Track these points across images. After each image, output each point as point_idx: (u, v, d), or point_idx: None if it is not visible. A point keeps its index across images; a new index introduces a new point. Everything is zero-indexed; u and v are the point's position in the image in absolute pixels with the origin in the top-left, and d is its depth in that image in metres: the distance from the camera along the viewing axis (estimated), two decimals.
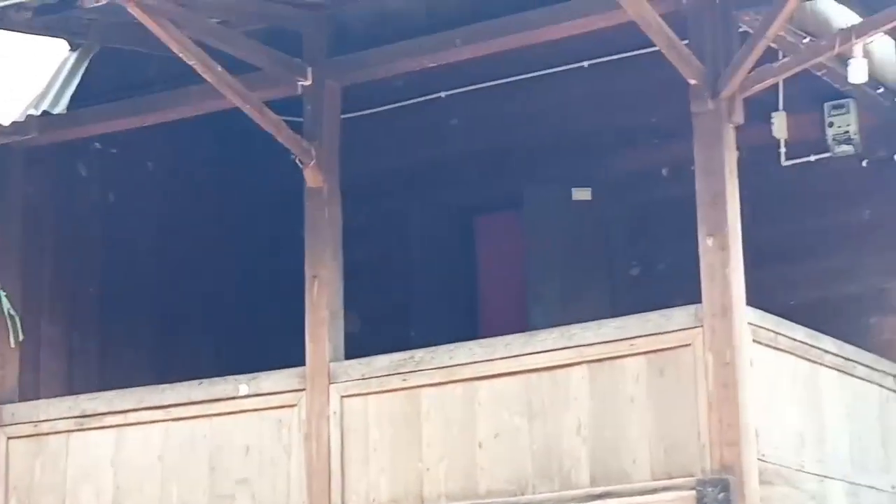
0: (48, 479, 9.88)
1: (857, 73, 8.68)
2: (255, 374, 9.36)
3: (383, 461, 8.82)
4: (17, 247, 10.28)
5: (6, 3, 8.84)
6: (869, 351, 9.51)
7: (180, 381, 9.67)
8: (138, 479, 9.62)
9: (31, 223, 10.36)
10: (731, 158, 8.15)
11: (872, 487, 9.07)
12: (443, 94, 10.84)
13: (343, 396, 8.98)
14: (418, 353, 8.87)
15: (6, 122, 9.16)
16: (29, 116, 9.20)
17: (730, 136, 8.19)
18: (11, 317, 10.01)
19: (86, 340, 10.50)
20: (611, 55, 9.81)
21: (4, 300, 10.02)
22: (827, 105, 10.00)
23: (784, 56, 8.55)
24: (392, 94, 10.56)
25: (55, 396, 10.14)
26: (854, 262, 10.28)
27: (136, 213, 10.89)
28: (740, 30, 8.39)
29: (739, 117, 8.24)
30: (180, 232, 10.94)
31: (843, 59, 8.70)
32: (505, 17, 9.02)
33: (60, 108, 9.35)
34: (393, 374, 8.90)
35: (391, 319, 10.25)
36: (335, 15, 9.48)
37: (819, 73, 9.22)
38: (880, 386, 9.48)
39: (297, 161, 9.27)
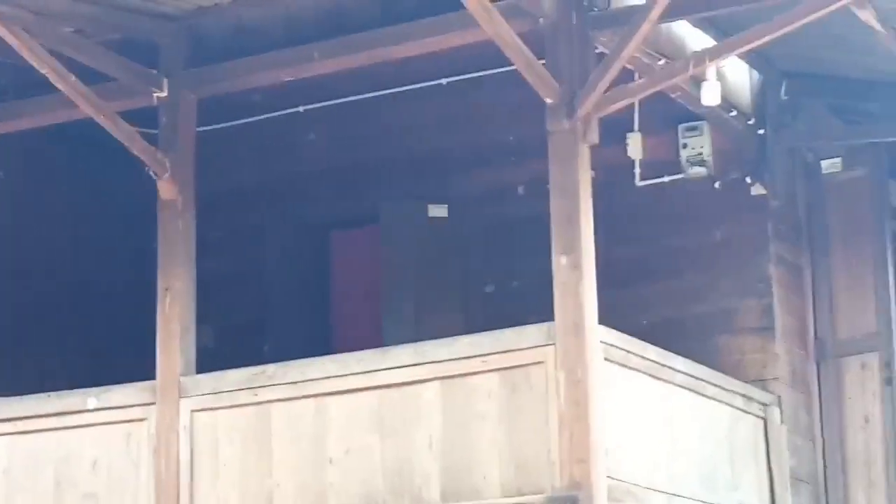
0: None
1: (711, 95, 8.91)
2: (105, 388, 9.22)
3: (233, 477, 8.76)
4: None
5: None
6: (719, 370, 9.67)
7: (28, 393, 9.56)
8: None
9: None
10: (585, 178, 8.16)
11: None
12: (301, 109, 10.84)
13: (193, 411, 8.89)
14: (270, 368, 8.84)
15: None
16: None
17: (585, 156, 8.21)
18: None
19: None
20: (469, 73, 9.86)
21: None
22: (681, 127, 10.18)
23: (639, 77, 8.67)
24: (250, 108, 10.48)
25: None
26: (705, 283, 10.44)
27: (22, 225, 10.67)
28: (597, 51, 8.47)
29: (594, 137, 8.26)
30: (31, 243, 10.80)
31: (698, 82, 8.91)
32: (363, 32, 9.00)
33: None
34: (244, 389, 8.83)
35: (246, 333, 10.28)
36: (192, 27, 9.41)
37: (674, 95, 9.30)
38: (730, 405, 9.61)
39: (151, 173, 9.19)
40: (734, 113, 10.18)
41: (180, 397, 8.91)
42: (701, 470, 9.11)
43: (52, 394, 9.46)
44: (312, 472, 8.59)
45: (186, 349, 9.11)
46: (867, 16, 8.43)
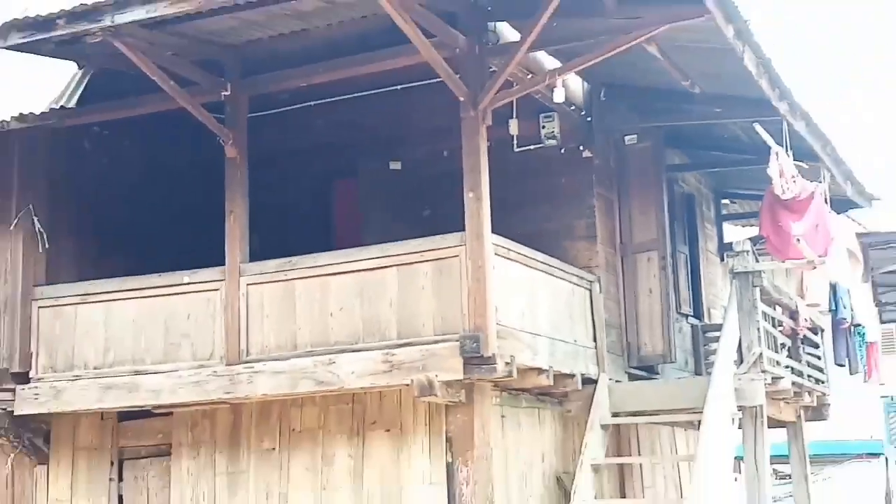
0: (65, 333, 9.84)
1: (558, 95, 9.03)
2: (195, 270, 9.51)
3: (273, 324, 9.06)
4: (44, 191, 10.17)
5: (39, 36, 9.06)
6: (563, 261, 9.94)
7: (151, 273, 9.71)
8: (120, 335, 9.66)
9: (55, 177, 10.29)
10: (483, 146, 8.58)
11: (563, 341, 9.49)
12: (311, 104, 10.60)
13: (248, 284, 9.18)
14: (294, 259, 9.12)
15: (37, 112, 9.14)
16: (52, 109, 9.19)
17: (483, 133, 8.60)
18: (40, 233, 9.98)
19: (87, 249, 10.53)
20: (414, 82, 9.96)
21: (36, 222, 9.98)
22: (541, 115, 10.36)
23: (516, 85, 9.03)
24: (281, 102, 10.57)
25: (67, 284, 10.13)
26: (555, 210, 10.56)
27: (119, 172, 10.76)
28: (490, 69, 8.76)
29: (489, 121, 8.66)
30: (151, 185, 10.91)
31: (551, 88, 9.06)
32: (349, 56, 9.22)
33: (71, 104, 9.27)
34: (278, 272, 9.15)
35: (278, 238, 10.15)
36: (244, 51, 9.51)
37: (537, 96, 9.67)
38: (569, 282, 9.94)
39: (221, 141, 9.46)
40: (573, 107, 10.50)
41: (240, 276, 9.21)
42: (551, 319, 9.42)
43: (162, 273, 9.60)
44: (319, 319, 8.90)
45: (243, 248, 9.33)
46: (653, 49, 8.79)
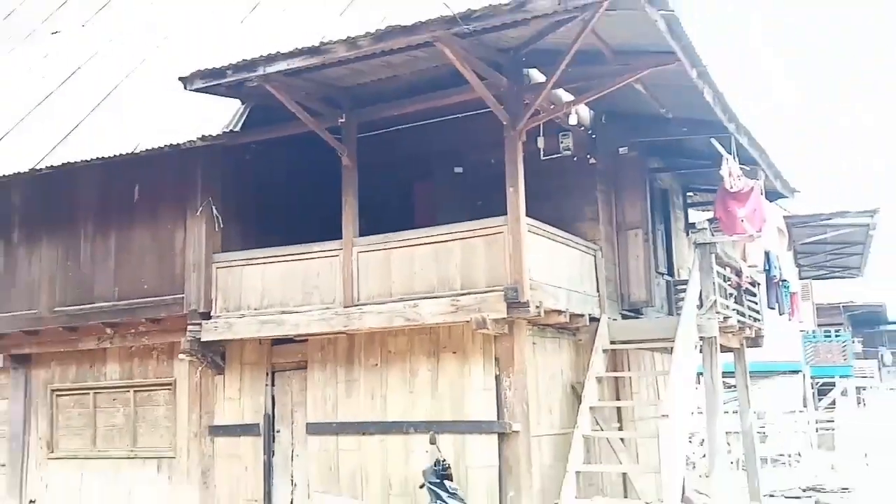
0: (234, 286, 9.90)
1: (572, 120, 9.43)
2: (321, 242, 9.47)
3: (375, 280, 9.02)
4: (219, 189, 10.20)
5: (214, 82, 8.97)
6: (575, 236, 9.84)
7: (291, 244, 9.70)
8: (271, 286, 9.67)
9: (226, 179, 10.30)
10: (520, 156, 8.52)
11: (575, 291, 9.42)
12: (398, 128, 10.32)
13: (359, 252, 9.15)
14: (390, 235, 9.07)
15: (214, 134, 9.20)
16: (224, 132, 9.10)
17: (520, 147, 8.55)
18: (217, 217, 10.01)
19: (248, 228, 10.50)
20: (469, 112, 9.52)
21: (214, 210, 10.03)
22: (560, 134, 10.08)
23: (542, 113, 8.86)
24: (378, 126, 10.16)
25: (236, 252, 10.13)
26: (569, 200, 10.30)
27: (269, 175, 10.78)
28: (525, 102, 8.57)
29: (524, 138, 8.63)
30: (292, 184, 10.83)
31: (567, 114, 9.29)
32: (425, 94, 9.18)
33: (237, 128, 9.20)
34: (379, 244, 9.10)
35: (377, 220, 9.72)
36: (354, 91, 9.40)
37: (557, 120, 9.50)
38: (580, 251, 9.84)
39: (338, 154, 9.42)
40: (582, 127, 10.26)
41: (353, 247, 9.18)
42: (567, 276, 9.36)
43: (300, 244, 9.59)
44: (407, 276, 8.85)
45: (355, 227, 9.25)
46: (639, 86, 8.94)
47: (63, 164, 10.35)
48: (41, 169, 10.52)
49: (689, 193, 13.48)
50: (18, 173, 10.68)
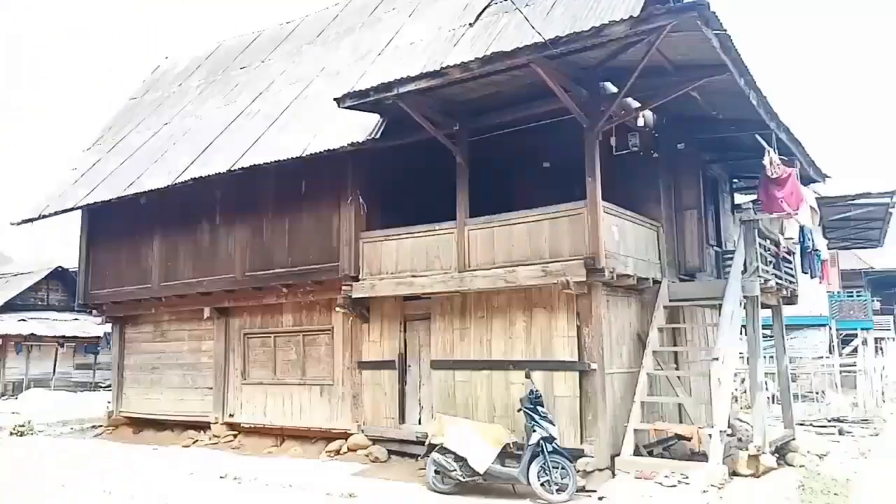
0: (375, 256, 9.99)
1: (639, 122, 9.13)
2: (442, 223, 9.39)
3: (482, 251, 8.96)
4: (364, 183, 10.23)
5: (360, 101, 9.16)
6: (642, 215, 9.47)
7: (415, 224, 9.66)
8: (403, 256, 9.72)
9: (368, 176, 10.32)
10: (596, 152, 8.28)
11: (642, 259, 9.08)
12: (502, 132, 9.63)
13: (469, 230, 9.10)
14: (495, 216, 8.97)
15: (360, 140, 9.19)
16: (367, 139, 9.18)
17: (596, 145, 8.30)
18: (362, 205, 10.04)
19: (386, 213, 10.33)
20: (556, 118, 8.96)
21: (360, 199, 10.14)
22: (629, 133, 9.60)
23: (615, 118, 8.48)
24: (486, 131, 9.60)
25: (377, 230, 10.11)
26: (637, 186, 9.76)
27: (402, 172, 10.37)
28: (601, 109, 8.33)
29: (600, 138, 8.37)
30: (419, 178, 10.16)
31: (635, 118, 9.00)
32: (521, 104, 8.86)
33: (377, 136, 9.25)
34: (486, 223, 9.01)
35: (484, 206, 9.27)
36: (467, 103, 9.14)
37: (627, 123, 9.11)
38: (645, 227, 9.48)
39: (454, 154, 9.36)
40: (647, 128, 9.75)
41: (465, 226, 9.14)
42: (635, 247, 9.07)
43: (425, 224, 9.55)
44: (506, 248, 8.78)
45: (466, 210, 9.18)
46: (695, 93, 8.50)
47: (250, 165, 10.71)
48: (235, 170, 10.88)
49: (734, 180, 12.76)
50: (219, 173, 11.11)
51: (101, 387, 25.23)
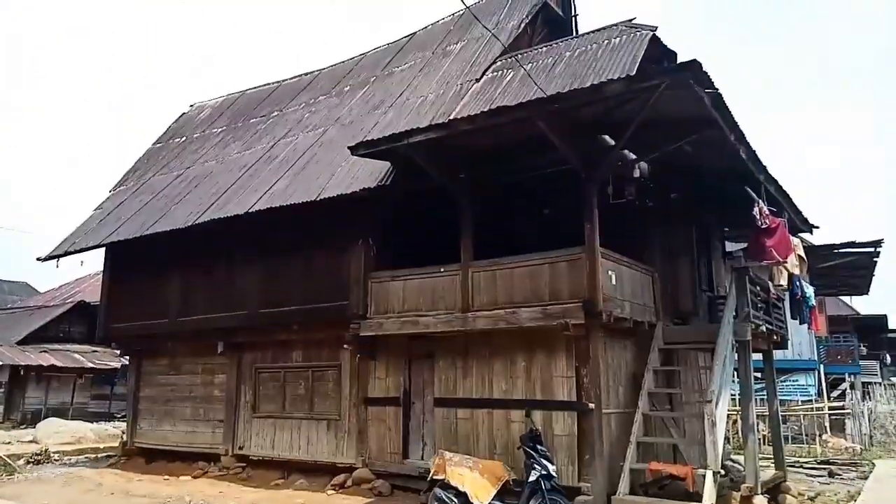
0: (383, 296, 9.86)
1: (635, 173, 8.92)
2: (447, 265, 9.33)
3: (485, 292, 8.88)
4: (374, 226, 10.31)
5: (372, 150, 9.38)
6: (637, 260, 9.22)
7: (420, 266, 9.59)
8: (409, 296, 9.64)
9: (379, 219, 10.31)
10: (594, 200, 8.32)
11: (637, 303, 9.09)
12: (503, 179, 9.94)
13: (472, 272, 9.05)
14: (497, 259, 8.92)
15: (372, 185, 9.39)
16: (378, 186, 9.39)
17: (594, 193, 8.34)
18: (372, 246, 10.04)
19: (394, 255, 10.25)
20: (559, 167, 8.58)
21: (370, 239, 10.02)
22: (625, 182, 8.91)
23: (612, 168, 8.51)
24: (488, 179, 9.67)
25: (385, 270, 10.01)
26: (632, 232, 9.64)
27: (410, 216, 10.39)
28: (598, 160, 8.31)
29: (598, 187, 8.39)
30: (425, 222, 10.28)
31: (630, 168, 8.76)
32: (521, 153, 8.75)
33: (387, 183, 9.42)
34: (488, 266, 8.97)
35: (487, 249, 9.30)
36: (469, 150, 9.17)
37: (624, 174, 8.84)
38: (640, 272, 9.39)
39: (460, 200, 9.31)
40: (642, 178, 9.07)
41: (469, 268, 9.06)
42: (631, 291, 8.99)
43: (430, 266, 9.50)
44: (508, 290, 8.72)
45: (470, 253, 9.13)
46: (688, 147, 8.35)
47: (267, 208, 10.79)
48: (253, 212, 10.97)
49: (726, 228, 12.75)
50: (238, 215, 11.21)
51: (116, 417, 24.94)
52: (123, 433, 14.36)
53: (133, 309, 13.63)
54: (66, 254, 14.02)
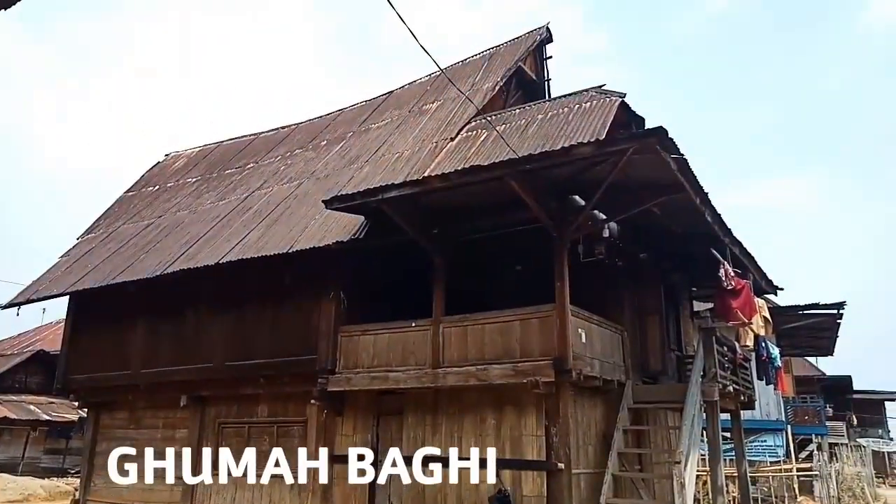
0: (353, 350, 9.79)
1: (605, 233, 9.06)
2: (417, 319, 9.27)
3: (456, 348, 8.82)
4: (345, 279, 10.18)
5: (346, 204, 9.44)
6: (607, 319, 9.42)
7: (391, 321, 9.50)
8: (379, 351, 9.53)
9: (350, 272, 10.23)
10: (565, 259, 8.39)
11: (607, 361, 9.03)
12: (490, 233, 9.76)
13: (443, 327, 8.99)
14: (469, 315, 8.85)
15: (345, 239, 9.28)
16: (350, 239, 9.24)
17: (565, 252, 8.42)
18: (342, 300, 9.97)
19: (364, 308, 10.16)
20: (530, 225, 8.71)
21: (341, 293, 10.00)
22: (595, 242, 8.83)
23: (582, 228, 8.54)
24: (460, 235, 9.69)
25: (355, 325, 9.91)
26: (601, 291, 9.69)
27: (382, 270, 10.48)
28: (569, 219, 8.41)
29: (568, 246, 8.47)
30: (397, 276, 10.36)
31: (601, 229, 8.75)
32: (494, 213, 8.92)
33: (360, 236, 9.29)
34: (459, 322, 8.91)
35: (458, 304, 9.31)
36: (444, 209, 9.27)
37: (594, 233, 8.80)
38: (610, 330, 9.48)
39: (432, 256, 9.33)
40: (612, 238, 9.03)
41: (440, 324, 9.03)
42: (601, 350, 9.02)
43: (401, 321, 9.42)
44: (479, 346, 8.56)
45: (441, 308, 8.97)
46: (656, 209, 8.52)
47: (238, 259, 10.68)
48: (222, 263, 10.85)
49: (693, 288, 12.95)
50: (207, 266, 11.06)
51: (70, 473, 23.85)
52: (76, 490, 13.70)
53: (94, 359, 13.26)
54: (28, 301, 13.66)
